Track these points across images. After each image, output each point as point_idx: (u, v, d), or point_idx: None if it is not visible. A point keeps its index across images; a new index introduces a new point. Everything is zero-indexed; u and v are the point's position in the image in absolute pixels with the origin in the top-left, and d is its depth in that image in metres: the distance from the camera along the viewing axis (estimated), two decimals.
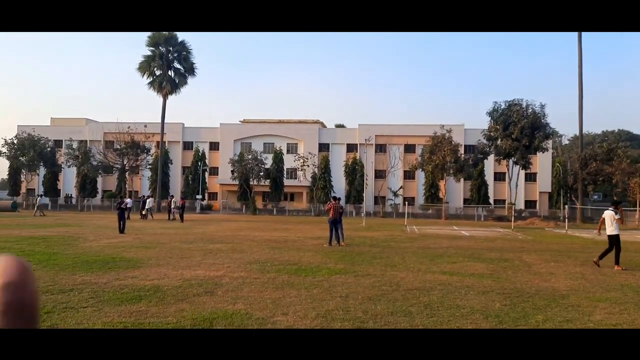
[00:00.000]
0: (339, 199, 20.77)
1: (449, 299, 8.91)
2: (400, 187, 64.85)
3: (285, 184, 64.36)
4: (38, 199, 47.04)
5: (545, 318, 7.58)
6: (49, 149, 64.75)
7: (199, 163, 64.88)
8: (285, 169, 64.28)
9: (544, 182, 66.65)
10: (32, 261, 12.81)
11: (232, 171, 59.77)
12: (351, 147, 68.88)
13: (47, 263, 12.55)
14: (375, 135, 66.80)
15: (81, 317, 7.15)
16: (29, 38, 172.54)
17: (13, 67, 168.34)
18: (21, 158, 62.65)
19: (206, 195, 66.43)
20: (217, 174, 69.07)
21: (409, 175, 66.72)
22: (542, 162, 64.49)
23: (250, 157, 59.83)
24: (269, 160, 62.05)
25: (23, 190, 67.58)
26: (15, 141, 62.82)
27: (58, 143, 69.07)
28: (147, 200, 40.32)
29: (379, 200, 62.67)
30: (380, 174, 67.44)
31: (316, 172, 61.96)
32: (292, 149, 69.50)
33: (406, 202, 44.30)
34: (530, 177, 65.80)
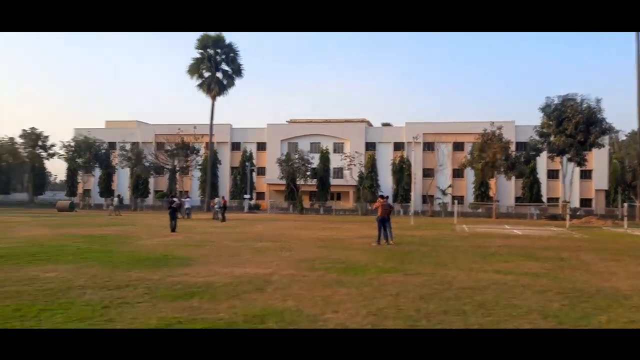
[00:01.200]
0: (387, 197, 20.54)
1: (504, 298, 8.64)
2: (449, 186, 63.67)
3: (331, 183, 64.22)
4: (115, 199, 48.32)
5: (608, 319, 7.23)
6: (103, 151, 67.01)
7: (247, 163, 65.63)
8: (331, 169, 64.16)
9: (601, 179, 64.15)
10: (89, 258, 13.26)
11: (282, 170, 60.19)
12: (398, 146, 68.10)
13: (103, 260, 12.93)
14: (423, 134, 65.86)
15: (137, 312, 7.28)
16: (81, 44, 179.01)
17: (69, 71, 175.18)
18: (78, 160, 65.39)
19: (254, 194, 67.16)
20: (265, 174, 69.67)
21: (457, 173, 65.48)
22: (598, 159, 62.07)
23: (297, 156, 60.13)
24: (315, 160, 62.14)
25: (80, 190, 70.19)
26: (72, 144, 65.58)
27: (112, 145, 71.23)
28: (186, 200, 40.92)
29: (427, 199, 61.81)
30: (428, 173, 66.50)
31: (363, 171, 61.66)
32: (338, 148, 69.39)
33: (455, 201, 43.43)
34: (586, 175, 63.50)
